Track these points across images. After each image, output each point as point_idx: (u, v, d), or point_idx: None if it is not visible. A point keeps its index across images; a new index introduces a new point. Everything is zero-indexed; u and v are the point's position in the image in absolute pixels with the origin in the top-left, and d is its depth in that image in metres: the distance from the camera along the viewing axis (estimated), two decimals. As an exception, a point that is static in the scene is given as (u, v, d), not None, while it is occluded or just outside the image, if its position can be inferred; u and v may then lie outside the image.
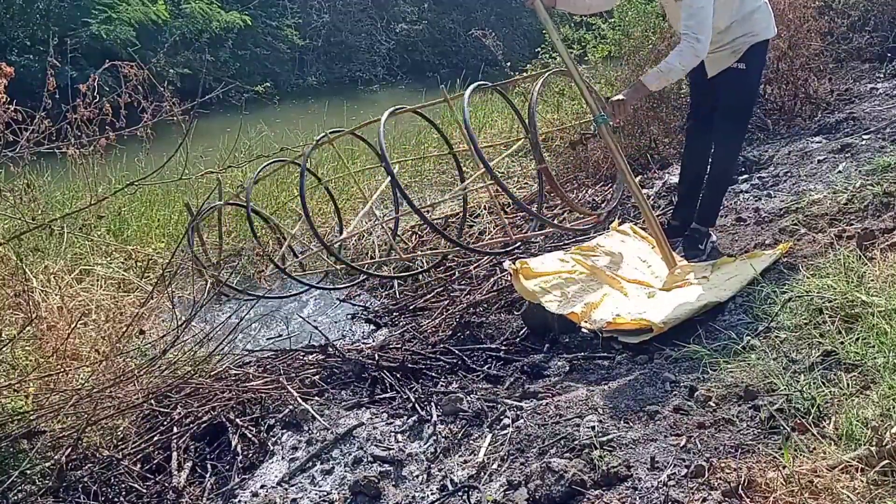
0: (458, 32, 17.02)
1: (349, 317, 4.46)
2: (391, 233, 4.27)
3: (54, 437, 2.56)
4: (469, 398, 2.74)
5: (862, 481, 1.76)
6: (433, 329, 3.65)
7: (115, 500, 2.44)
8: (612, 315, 3.08)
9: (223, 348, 3.27)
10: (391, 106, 3.68)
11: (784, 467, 1.87)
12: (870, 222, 3.35)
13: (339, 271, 4.97)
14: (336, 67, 15.94)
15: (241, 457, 2.62)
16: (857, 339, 2.37)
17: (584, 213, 4.01)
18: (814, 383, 2.23)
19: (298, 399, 2.86)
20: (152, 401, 2.85)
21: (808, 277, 2.93)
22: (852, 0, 6.89)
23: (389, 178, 3.48)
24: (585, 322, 3.08)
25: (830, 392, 2.17)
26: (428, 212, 4.31)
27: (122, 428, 2.76)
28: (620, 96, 3.50)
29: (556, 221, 4.41)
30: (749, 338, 2.68)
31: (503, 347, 3.25)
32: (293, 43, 14.94)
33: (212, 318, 4.30)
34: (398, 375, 3.05)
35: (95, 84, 2.87)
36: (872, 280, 2.68)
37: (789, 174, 4.54)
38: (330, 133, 3.95)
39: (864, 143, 4.63)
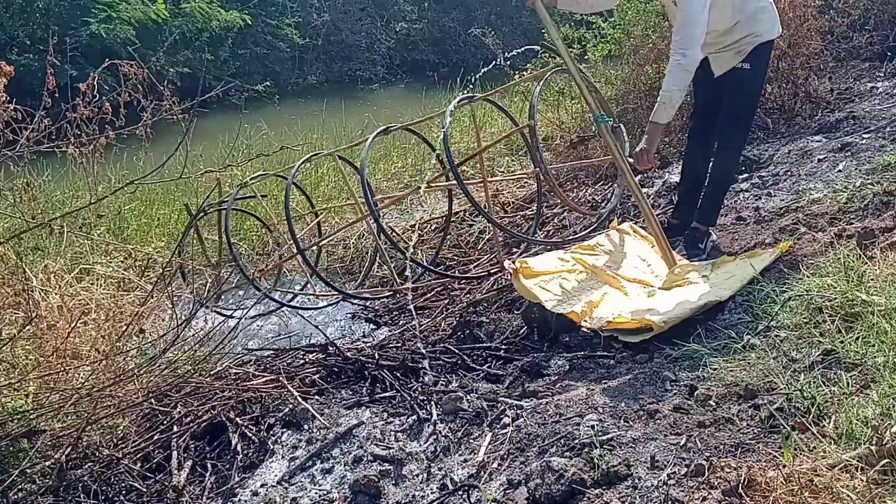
0: (457, 31, 17.03)
1: (349, 315, 4.45)
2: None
3: (54, 436, 2.55)
4: (469, 397, 2.73)
5: (862, 480, 1.76)
6: (433, 328, 3.65)
7: (115, 499, 2.44)
8: (612, 314, 3.08)
9: (223, 348, 3.27)
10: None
11: (784, 466, 1.87)
12: (870, 221, 3.35)
13: (338, 269, 4.97)
14: (336, 66, 15.94)
15: (241, 456, 2.62)
16: (857, 338, 2.37)
17: (583, 212, 4.01)
18: (814, 382, 2.23)
19: (298, 398, 2.85)
20: (152, 400, 2.85)
21: (808, 276, 2.93)
22: (852, -1, 6.88)
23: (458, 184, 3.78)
24: (585, 321, 3.08)
25: (830, 391, 2.17)
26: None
27: (122, 427, 2.76)
28: (641, 146, 3.55)
29: (554, 221, 4.40)
30: (749, 337, 2.67)
31: (503, 346, 3.25)
32: (293, 42, 14.94)
33: (212, 317, 4.30)
34: (398, 374, 3.05)
35: (95, 83, 2.87)
36: (872, 279, 2.68)
37: (789, 173, 4.53)
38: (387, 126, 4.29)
39: (864, 141, 4.62)
